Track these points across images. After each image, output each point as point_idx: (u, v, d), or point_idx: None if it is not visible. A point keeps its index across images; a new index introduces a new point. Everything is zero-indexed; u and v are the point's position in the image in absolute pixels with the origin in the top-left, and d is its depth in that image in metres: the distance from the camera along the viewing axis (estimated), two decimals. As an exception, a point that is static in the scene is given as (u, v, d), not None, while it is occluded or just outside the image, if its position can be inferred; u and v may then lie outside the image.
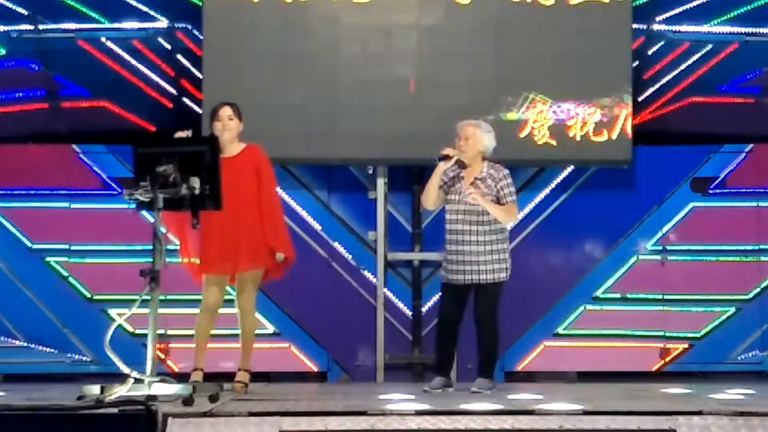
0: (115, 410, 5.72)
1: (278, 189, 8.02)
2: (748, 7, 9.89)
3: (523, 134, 9.57)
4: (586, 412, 5.78)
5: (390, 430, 5.61)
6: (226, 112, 7.74)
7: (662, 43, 10.02)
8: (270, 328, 9.78)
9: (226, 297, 7.77)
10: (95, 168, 9.82)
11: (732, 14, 9.92)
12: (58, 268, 9.79)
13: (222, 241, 7.50)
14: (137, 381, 6.24)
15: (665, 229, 9.91)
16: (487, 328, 7.83)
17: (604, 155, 9.62)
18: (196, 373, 7.68)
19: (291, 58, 9.57)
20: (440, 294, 8.03)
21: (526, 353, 9.85)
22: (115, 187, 9.69)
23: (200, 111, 9.40)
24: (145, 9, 9.90)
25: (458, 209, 7.88)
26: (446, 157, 7.84)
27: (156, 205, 6.40)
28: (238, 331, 7.78)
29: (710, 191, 9.91)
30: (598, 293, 9.90)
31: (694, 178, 9.94)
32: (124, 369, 6.26)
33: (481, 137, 7.93)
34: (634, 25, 9.68)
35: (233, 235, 7.49)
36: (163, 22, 9.94)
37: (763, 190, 9.89)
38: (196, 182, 6.40)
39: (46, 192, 9.79)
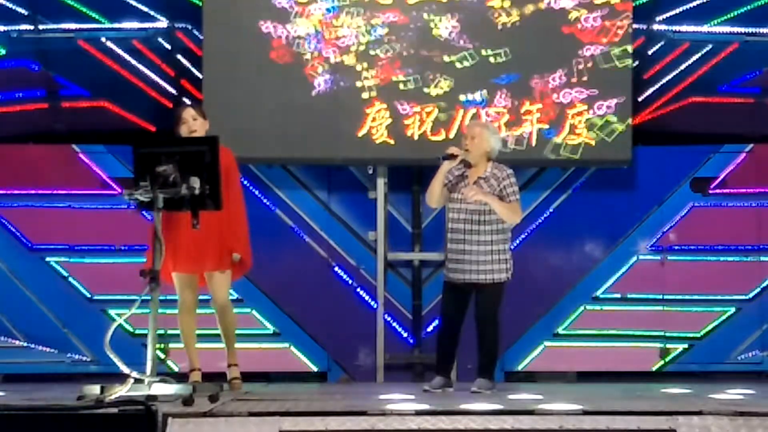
0: (115, 410, 5.72)
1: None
2: (748, 7, 9.89)
3: (525, 134, 9.57)
4: (586, 412, 5.78)
5: (390, 430, 5.61)
6: (190, 113, 7.69)
7: (662, 43, 10.02)
8: (270, 328, 9.79)
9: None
10: (95, 168, 9.82)
11: (732, 14, 9.92)
12: (58, 268, 9.79)
13: (189, 241, 7.42)
14: (137, 381, 6.24)
15: (665, 229, 9.91)
16: (489, 328, 7.83)
17: (604, 155, 9.62)
18: (194, 373, 7.69)
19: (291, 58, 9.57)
20: (442, 293, 8.03)
21: (526, 353, 9.85)
22: (115, 187, 9.69)
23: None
24: (145, 9, 9.90)
25: (461, 208, 7.87)
26: (451, 156, 7.85)
27: (156, 205, 6.40)
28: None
29: (710, 191, 9.92)
30: (598, 293, 9.90)
31: (694, 178, 9.94)
32: (124, 369, 6.26)
33: (487, 138, 7.94)
34: (634, 25, 9.68)
35: (200, 236, 7.38)
36: (163, 22, 9.93)
37: (763, 190, 9.89)
38: (196, 182, 6.40)
39: (46, 192, 9.79)
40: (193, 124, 7.65)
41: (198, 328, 7.80)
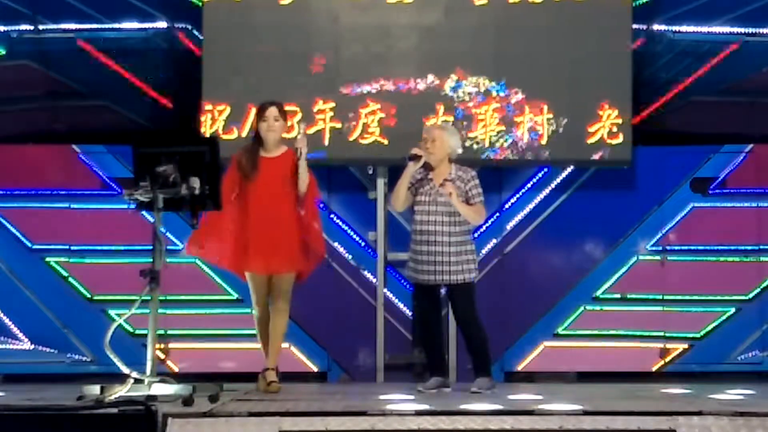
0: (115, 410, 5.73)
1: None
2: (748, 7, 9.89)
3: (524, 134, 9.58)
4: (586, 412, 5.79)
5: (390, 430, 5.62)
6: (273, 112, 7.77)
7: (662, 43, 10.02)
8: (270, 328, 9.77)
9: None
10: (95, 168, 9.82)
11: (732, 14, 9.92)
12: (58, 268, 9.78)
13: (259, 239, 7.55)
14: (137, 381, 6.26)
15: (665, 229, 9.91)
16: (472, 328, 7.91)
17: (603, 155, 9.61)
18: (269, 372, 7.67)
19: (291, 58, 9.57)
20: (413, 296, 8.05)
21: (526, 353, 9.84)
22: (115, 187, 9.69)
23: (200, 111, 9.41)
24: (145, 9, 9.90)
25: (428, 210, 7.93)
26: (416, 157, 7.89)
27: (156, 205, 6.41)
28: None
29: (710, 191, 9.91)
30: (598, 293, 9.89)
31: (694, 178, 9.94)
32: (124, 369, 6.27)
33: (447, 139, 8.01)
34: (634, 25, 9.68)
35: (271, 235, 7.52)
36: (163, 22, 9.94)
37: (763, 190, 9.89)
38: (195, 182, 6.41)
39: (46, 192, 9.78)
40: (273, 125, 7.75)
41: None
